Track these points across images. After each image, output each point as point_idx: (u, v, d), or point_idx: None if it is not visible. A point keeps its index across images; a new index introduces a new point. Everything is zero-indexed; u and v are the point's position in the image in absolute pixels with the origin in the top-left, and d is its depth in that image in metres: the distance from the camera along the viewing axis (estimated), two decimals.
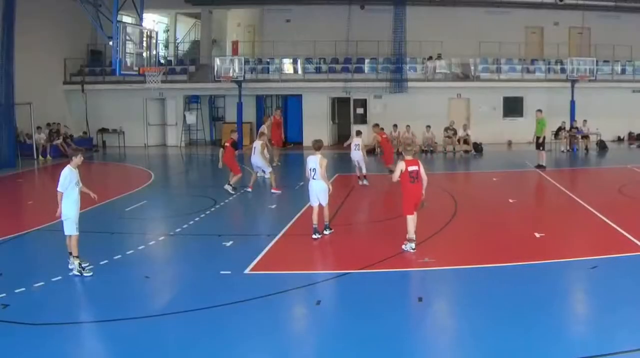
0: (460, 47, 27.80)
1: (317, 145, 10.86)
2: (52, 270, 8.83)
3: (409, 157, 9.85)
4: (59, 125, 25.60)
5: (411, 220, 9.76)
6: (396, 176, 9.80)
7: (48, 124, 25.11)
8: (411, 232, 9.77)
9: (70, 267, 8.83)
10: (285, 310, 7.65)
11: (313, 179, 10.70)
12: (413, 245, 9.77)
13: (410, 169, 9.69)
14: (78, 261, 8.78)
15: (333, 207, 13.12)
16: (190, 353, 6.29)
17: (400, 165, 9.74)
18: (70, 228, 8.81)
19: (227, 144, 15.79)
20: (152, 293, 8.34)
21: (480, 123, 27.55)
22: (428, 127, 25.63)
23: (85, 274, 8.72)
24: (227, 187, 15.48)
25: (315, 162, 10.63)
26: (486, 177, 19.24)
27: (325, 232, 10.95)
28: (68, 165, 9.01)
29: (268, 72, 28.85)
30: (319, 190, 10.70)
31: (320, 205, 10.80)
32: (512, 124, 28.10)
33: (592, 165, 22.61)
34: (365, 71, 28.59)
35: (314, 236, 10.73)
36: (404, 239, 10.13)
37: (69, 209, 8.80)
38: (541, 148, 19.71)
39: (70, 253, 8.82)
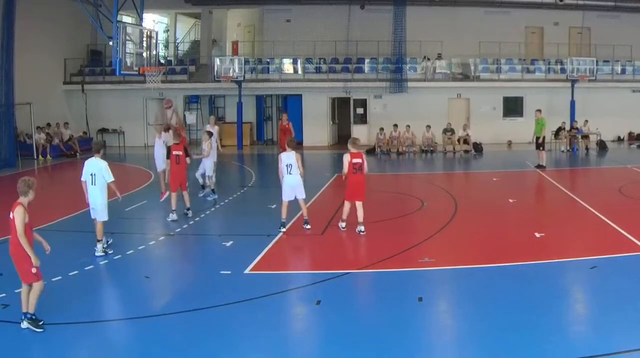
0: (460, 47, 27.79)
1: (293, 144, 11.36)
2: (52, 270, 8.80)
3: (353, 151, 10.77)
4: (57, 127, 25.53)
5: (348, 205, 10.99)
6: (345, 168, 10.69)
7: (48, 124, 25.10)
8: (345, 214, 11.07)
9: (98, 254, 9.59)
10: (285, 310, 7.65)
11: (289, 174, 11.05)
12: (344, 224, 11.08)
13: (354, 161, 10.69)
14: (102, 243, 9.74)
15: (333, 207, 13.12)
16: (191, 353, 6.28)
17: (347, 158, 10.72)
18: (105, 214, 9.76)
19: (178, 153, 12.22)
20: (152, 293, 8.34)
21: (480, 123, 27.53)
22: (428, 127, 25.59)
23: (109, 252, 9.66)
24: (171, 216, 12.31)
25: (292, 158, 11.05)
26: (486, 177, 19.22)
27: (306, 226, 11.23)
28: (98, 157, 9.62)
29: (268, 72, 28.80)
30: (296, 185, 11.14)
31: (297, 200, 11.23)
32: (512, 124, 28.08)
33: (592, 165, 22.60)
34: (365, 71, 28.55)
35: (281, 229, 11.08)
36: (404, 239, 10.23)
37: (104, 197, 9.63)
38: (541, 148, 19.71)
39: (100, 240, 9.66)
